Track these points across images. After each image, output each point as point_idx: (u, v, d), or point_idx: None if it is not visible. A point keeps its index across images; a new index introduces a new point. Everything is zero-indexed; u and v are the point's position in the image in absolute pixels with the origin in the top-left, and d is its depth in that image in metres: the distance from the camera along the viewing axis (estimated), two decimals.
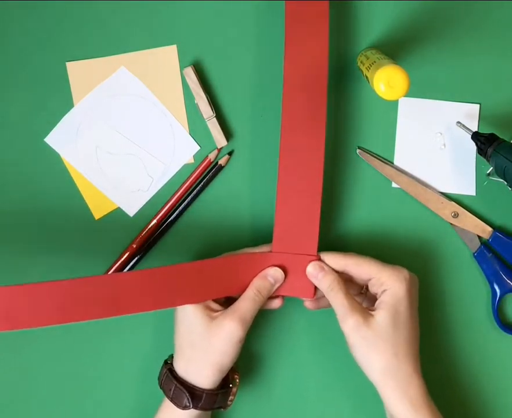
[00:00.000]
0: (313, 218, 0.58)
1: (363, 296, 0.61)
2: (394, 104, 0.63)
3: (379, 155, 0.64)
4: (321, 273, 0.57)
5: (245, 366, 0.64)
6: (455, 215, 0.63)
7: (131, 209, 0.65)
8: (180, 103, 0.64)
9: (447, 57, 0.63)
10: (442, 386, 0.65)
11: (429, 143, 0.64)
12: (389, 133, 0.64)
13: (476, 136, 0.60)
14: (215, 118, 0.62)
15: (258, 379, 0.65)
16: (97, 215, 0.65)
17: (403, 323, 0.56)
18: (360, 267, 0.57)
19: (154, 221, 0.64)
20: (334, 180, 0.64)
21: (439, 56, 0.63)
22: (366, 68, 0.56)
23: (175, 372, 0.58)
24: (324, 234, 0.64)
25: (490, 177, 0.63)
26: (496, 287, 0.63)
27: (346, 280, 0.58)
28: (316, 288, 0.59)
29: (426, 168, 0.64)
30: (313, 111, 0.58)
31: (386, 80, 0.51)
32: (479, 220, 0.63)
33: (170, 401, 0.57)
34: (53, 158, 0.64)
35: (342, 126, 0.64)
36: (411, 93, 0.62)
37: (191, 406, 0.56)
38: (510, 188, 0.58)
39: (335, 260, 0.58)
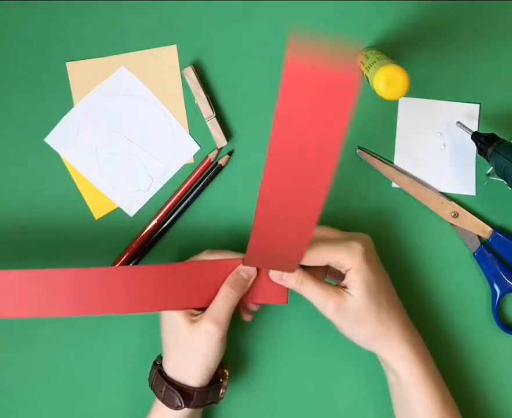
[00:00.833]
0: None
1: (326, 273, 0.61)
2: (394, 104, 0.63)
3: (379, 155, 0.64)
4: (284, 277, 0.57)
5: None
6: (455, 215, 0.63)
7: (131, 209, 0.65)
8: (180, 103, 0.64)
9: (447, 57, 0.63)
10: None
11: (429, 143, 0.64)
12: (389, 133, 0.64)
13: (476, 136, 0.60)
14: (215, 118, 0.62)
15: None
16: (97, 215, 0.65)
17: (376, 290, 0.56)
18: (318, 260, 0.56)
19: (154, 221, 0.64)
20: (334, 180, 0.64)
21: (439, 56, 0.63)
22: (366, 68, 0.56)
23: (165, 373, 0.58)
24: None
25: (490, 177, 0.63)
26: (496, 287, 0.63)
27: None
28: (287, 292, 0.58)
29: (426, 168, 0.64)
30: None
31: (386, 80, 0.51)
32: (479, 220, 0.63)
33: (162, 402, 0.57)
34: (53, 158, 0.64)
35: None
36: (411, 93, 0.62)
37: (183, 406, 0.56)
38: (510, 188, 0.58)
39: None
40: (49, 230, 0.65)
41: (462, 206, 0.63)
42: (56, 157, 0.64)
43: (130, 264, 0.64)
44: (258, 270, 0.58)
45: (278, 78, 0.63)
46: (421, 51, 0.63)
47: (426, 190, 0.63)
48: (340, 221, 0.64)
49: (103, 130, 0.64)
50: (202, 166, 0.64)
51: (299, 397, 0.65)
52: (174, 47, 0.63)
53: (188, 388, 0.56)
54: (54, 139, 0.64)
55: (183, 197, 0.64)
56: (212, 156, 0.64)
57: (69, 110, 0.64)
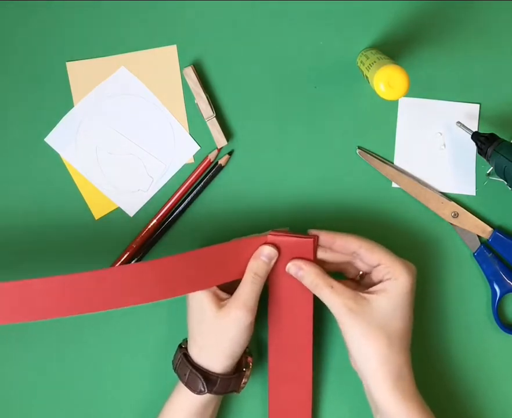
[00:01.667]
0: None
1: (355, 284, 0.60)
2: (394, 104, 0.63)
3: (379, 155, 0.64)
4: (301, 272, 0.57)
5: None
6: (455, 215, 0.63)
7: (131, 209, 0.65)
8: (180, 103, 0.64)
9: (447, 57, 0.63)
10: (442, 386, 0.65)
11: (429, 143, 0.64)
12: (389, 133, 0.64)
13: (476, 136, 0.60)
14: (215, 118, 0.62)
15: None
16: (97, 215, 0.65)
17: (402, 315, 0.56)
18: (373, 253, 0.57)
19: (154, 221, 0.64)
20: (334, 180, 0.64)
21: (439, 56, 0.63)
22: (366, 68, 0.56)
23: (190, 357, 0.58)
24: None
25: (490, 177, 0.63)
26: (496, 287, 0.63)
27: (342, 263, 0.59)
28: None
29: (426, 168, 0.64)
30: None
31: (386, 80, 0.51)
32: (479, 220, 0.63)
33: (185, 385, 0.57)
34: (53, 158, 0.64)
35: (342, 126, 0.64)
36: (411, 93, 0.62)
37: (205, 391, 0.56)
38: (510, 188, 0.58)
39: (348, 241, 0.58)
40: (49, 230, 0.65)
41: (462, 206, 0.63)
42: (56, 157, 0.64)
43: (133, 261, 0.64)
44: (279, 250, 0.58)
45: (278, 77, 0.63)
46: (421, 51, 0.63)
47: (426, 190, 0.63)
48: (340, 221, 0.64)
49: (103, 130, 0.64)
50: (202, 166, 0.64)
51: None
52: (174, 47, 0.63)
53: (213, 374, 0.57)
54: (54, 139, 0.64)
55: (183, 197, 0.64)
56: (212, 156, 0.64)
57: (69, 110, 0.64)
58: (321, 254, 0.59)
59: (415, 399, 0.56)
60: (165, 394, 0.60)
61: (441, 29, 0.63)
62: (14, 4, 0.63)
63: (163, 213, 0.64)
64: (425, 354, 0.65)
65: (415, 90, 0.62)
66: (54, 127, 0.64)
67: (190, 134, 0.64)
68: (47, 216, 0.65)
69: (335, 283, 0.56)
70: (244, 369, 0.60)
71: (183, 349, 0.59)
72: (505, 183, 0.58)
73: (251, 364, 0.60)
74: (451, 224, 0.64)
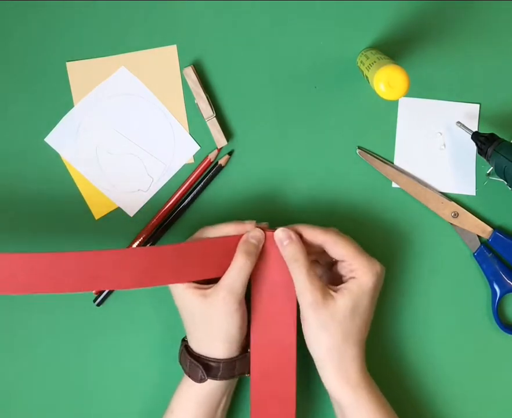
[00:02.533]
0: None
1: (324, 269, 0.61)
2: (394, 104, 0.63)
3: (379, 155, 0.64)
4: (288, 240, 0.57)
5: None
6: (455, 215, 0.63)
7: (131, 209, 0.65)
8: (180, 103, 0.64)
9: (447, 57, 0.63)
10: (442, 385, 0.65)
11: (429, 143, 0.64)
12: (389, 133, 0.64)
13: (476, 136, 0.60)
14: (215, 118, 0.62)
15: None
16: (97, 215, 0.65)
17: (360, 313, 0.56)
18: (337, 248, 0.57)
19: (154, 221, 0.64)
20: (334, 180, 0.64)
21: (439, 56, 0.63)
22: (366, 68, 0.56)
23: (190, 348, 0.59)
24: None
25: (490, 177, 0.63)
26: (496, 287, 0.63)
27: (317, 252, 0.59)
28: None
29: (426, 168, 0.64)
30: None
31: (386, 80, 0.51)
32: (479, 220, 0.63)
33: (187, 375, 0.58)
34: (53, 158, 0.64)
35: (342, 126, 0.64)
36: (411, 93, 0.62)
37: (206, 378, 0.57)
38: (510, 188, 0.58)
39: (314, 234, 0.58)
40: (49, 230, 0.65)
41: (462, 206, 0.63)
42: (56, 157, 0.64)
43: None
44: (266, 234, 0.58)
45: (278, 78, 0.63)
46: (421, 51, 0.63)
47: (426, 190, 0.63)
48: (340, 221, 0.64)
49: (103, 130, 0.64)
50: (202, 166, 0.64)
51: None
52: (174, 47, 0.63)
53: (214, 360, 0.57)
54: (54, 139, 0.64)
55: (183, 197, 0.64)
56: (212, 156, 0.64)
57: (69, 110, 0.64)
58: None
59: (364, 385, 0.57)
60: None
61: (441, 29, 0.63)
62: (14, 4, 0.63)
63: (163, 214, 0.64)
64: (425, 354, 0.65)
65: (415, 90, 0.62)
66: (54, 127, 0.64)
67: (190, 134, 0.64)
68: (47, 216, 0.65)
69: (312, 269, 0.56)
70: (248, 350, 0.59)
71: (184, 341, 0.60)
72: (505, 183, 0.58)
73: None
74: (451, 224, 0.64)
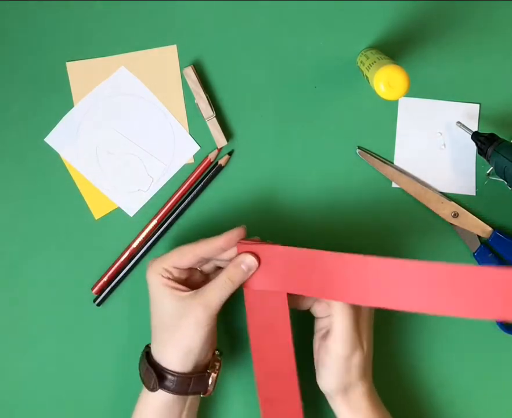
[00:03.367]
0: None
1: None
2: (394, 104, 0.63)
3: (379, 155, 0.64)
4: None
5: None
6: (455, 215, 0.63)
7: (131, 209, 0.65)
8: (180, 103, 0.64)
9: (447, 57, 0.63)
10: (442, 385, 0.65)
11: (429, 143, 0.64)
12: (389, 133, 0.64)
13: (476, 136, 0.60)
14: (215, 118, 0.62)
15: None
16: (97, 215, 0.65)
17: (356, 344, 0.56)
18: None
19: (154, 221, 0.64)
20: (334, 180, 0.64)
21: (439, 56, 0.63)
22: (366, 68, 0.56)
23: (150, 354, 0.58)
24: (324, 234, 0.64)
25: (490, 177, 0.63)
26: None
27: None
28: None
29: (426, 168, 0.64)
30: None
31: (386, 80, 0.51)
32: (479, 220, 0.63)
33: (142, 381, 0.57)
34: (53, 158, 0.64)
35: (342, 126, 0.64)
36: (411, 93, 0.62)
37: (157, 388, 0.55)
38: (510, 188, 0.58)
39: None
40: (49, 230, 0.65)
41: (462, 206, 0.63)
42: (56, 157, 0.64)
43: (131, 264, 0.64)
44: (259, 260, 0.56)
45: (278, 78, 0.63)
46: (421, 51, 0.63)
47: (426, 190, 0.63)
48: (340, 221, 0.64)
49: (103, 130, 0.64)
50: (202, 166, 0.64)
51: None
52: (174, 47, 0.63)
53: (170, 371, 0.55)
54: (54, 139, 0.64)
55: (183, 197, 0.64)
56: (212, 156, 0.64)
57: (69, 110, 0.64)
58: None
59: (365, 409, 0.57)
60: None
61: (441, 29, 0.63)
62: (14, 4, 0.63)
63: (163, 213, 0.64)
64: (425, 353, 0.65)
65: (415, 90, 0.62)
66: (54, 127, 0.64)
67: (190, 134, 0.64)
68: (47, 216, 0.65)
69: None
70: (208, 371, 0.58)
71: (147, 347, 0.59)
72: (505, 183, 0.58)
73: (218, 366, 0.59)
74: (451, 224, 0.64)
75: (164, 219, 0.64)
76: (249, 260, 0.56)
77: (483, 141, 0.59)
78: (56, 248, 0.65)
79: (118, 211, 0.65)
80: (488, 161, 0.59)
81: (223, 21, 0.63)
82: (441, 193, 0.64)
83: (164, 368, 0.56)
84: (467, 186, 0.64)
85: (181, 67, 0.63)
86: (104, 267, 0.65)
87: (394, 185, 0.64)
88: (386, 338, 0.65)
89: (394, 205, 0.64)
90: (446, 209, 0.63)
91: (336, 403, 0.58)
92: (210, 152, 0.64)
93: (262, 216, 0.64)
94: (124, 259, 0.64)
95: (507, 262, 0.63)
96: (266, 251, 0.55)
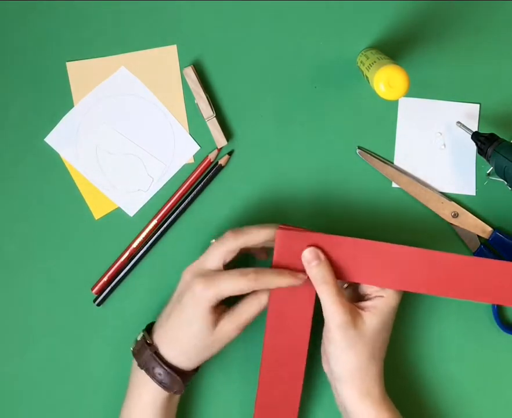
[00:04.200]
0: None
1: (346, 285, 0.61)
2: (394, 104, 0.63)
3: (379, 155, 0.64)
4: (316, 261, 0.55)
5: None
6: (455, 215, 0.63)
7: (131, 209, 0.65)
8: (180, 103, 0.64)
9: (447, 57, 0.63)
10: (442, 385, 0.65)
11: (429, 143, 0.64)
12: (389, 133, 0.64)
13: (476, 136, 0.60)
14: (215, 118, 0.62)
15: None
16: (97, 215, 0.65)
17: (386, 330, 0.57)
18: None
19: (154, 221, 0.64)
20: (334, 180, 0.64)
21: (439, 56, 0.63)
22: (366, 68, 0.56)
23: (161, 355, 0.57)
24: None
25: (490, 177, 0.63)
26: None
27: None
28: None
29: (426, 168, 0.64)
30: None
31: (386, 80, 0.51)
32: (479, 220, 0.63)
33: (159, 384, 0.57)
34: (53, 158, 0.64)
35: (342, 126, 0.64)
36: (411, 93, 0.62)
37: (183, 390, 0.57)
38: (510, 188, 0.58)
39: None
40: (49, 230, 0.65)
41: (462, 206, 0.63)
42: (56, 157, 0.64)
43: (131, 264, 0.64)
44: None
45: (278, 78, 0.63)
46: (421, 51, 0.63)
47: (426, 190, 0.63)
48: (340, 221, 0.64)
49: (103, 130, 0.64)
50: (202, 166, 0.64)
51: None
52: (174, 47, 0.63)
53: (183, 371, 0.57)
54: (54, 139, 0.64)
55: (183, 197, 0.64)
56: (212, 156, 0.64)
57: (69, 110, 0.64)
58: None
59: (385, 404, 0.57)
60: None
61: (441, 29, 0.63)
62: (14, 4, 0.63)
63: (163, 213, 0.64)
64: (425, 354, 0.65)
65: (415, 90, 0.62)
66: (54, 127, 0.64)
67: (190, 134, 0.64)
68: (47, 216, 0.65)
69: (341, 289, 0.56)
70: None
71: (152, 347, 0.58)
72: (505, 183, 0.58)
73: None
74: (451, 224, 0.64)
75: (164, 219, 0.64)
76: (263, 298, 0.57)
77: (483, 141, 0.59)
78: (56, 248, 0.65)
79: (118, 211, 0.65)
80: (488, 161, 0.59)
81: (223, 21, 0.63)
82: (441, 193, 0.64)
83: (182, 370, 0.57)
84: (467, 186, 0.64)
85: (181, 67, 0.63)
86: (104, 267, 0.65)
87: (394, 185, 0.64)
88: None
89: (394, 205, 0.64)
90: (446, 209, 0.63)
91: (348, 388, 0.57)
92: (210, 152, 0.64)
93: (262, 216, 0.64)
94: (124, 259, 0.64)
95: None
96: (308, 239, 0.56)
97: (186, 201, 0.64)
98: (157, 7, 0.63)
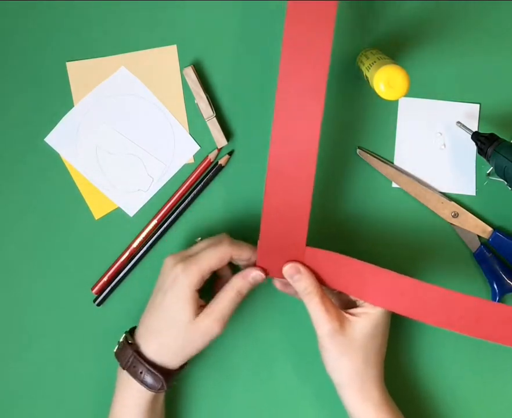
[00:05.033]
0: (302, 212, 0.56)
1: (336, 292, 0.61)
2: (394, 104, 0.63)
3: (379, 155, 0.64)
4: (297, 275, 0.57)
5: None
6: (455, 215, 0.63)
7: (131, 209, 0.65)
8: (180, 103, 0.64)
9: (447, 57, 0.63)
10: (442, 386, 0.65)
11: (429, 143, 0.64)
12: (389, 133, 0.64)
13: (476, 136, 0.60)
14: (215, 118, 0.62)
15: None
16: (97, 215, 0.65)
17: (378, 335, 0.57)
18: None
19: (154, 221, 0.64)
20: (334, 180, 0.64)
21: (439, 56, 0.63)
22: (366, 68, 0.56)
23: (143, 354, 0.57)
24: (324, 234, 0.64)
25: (490, 177, 0.63)
26: (496, 287, 0.63)
27: None
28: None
29: (426, 168, 0.64)
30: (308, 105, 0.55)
31: (386, 80, 0.51)
32: (479, 220, 0.63)
33: (141, 383, 0.56)
34: (53, 158, 0.64)
35: (342, 126, 0.64)
36: (411, 93, 0.62)
37: (165, 388, 0.57)
38: (510, 188, 0.58)
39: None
40: (49, 230, 0.65)
41: (462, 206, 0.63)
42: (56, 157, 0.64)
43: (131, 264, 0.64)
44: (266, 273, 0.58)
45: (277, 78, 0.63)
46: (421, 51, 0.63)
47: (426, 190, 0.63)
48: (340, 221, 0.64)
49: (103, 130, 0.64)
50: (202, 166, 0.64)
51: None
52: (174, 47, 0.63)
53: (168, 370, 0.57)
54: (54, 139, 0.64)
55: (183, 197, 0.64)
56: (212, 156, 0.64)
57: (69, 110, 0.64)
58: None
59: (387, 407, 0.57)
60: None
61: (441, 29, 0.63)
62: (14, 4, 0.63)
63: (163, 213, 0.64)
64: (425, 354, 0.65)
65: (415, 90, 0.62)
66: (54, 127, 0.64)
67: (190, 134, 0.64)
68: (47, 216, 0.65)
69: (325, 297, 0.56)
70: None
71: (133, 345, 0.58)
72: (505, 183, 0.58)
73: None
74: (451, 224, 0.64)
75: (164, 219, 0.64)
76: (255, 274, 0.57)
77: (483, 141, 0.59)
78: (56, 248, 0.65)
79: (118, 211, 0.65)
80: (488, 161, 0.59)
81: (223, 21, 0.63)
82: (441, 193, 0.64)
83: (166, 368, 0.57)
84: (467, 186, 0.64)
85: (181, 67, 0.63)
86: (104, 267, 0.65)
87: (394, 185, 0.64)
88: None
89: (394, 205, 0.64)
90: (446, 209, 0.63)
91: (348, 393, 0.57)
92: (210, 152, 0.64)
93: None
94: (124, 259, 0.64)
95: (507, 262, 0.64)
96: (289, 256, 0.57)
97: (186, 201, 0.64)
98: (157, 7, 0.63)
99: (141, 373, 0.56)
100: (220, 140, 0.63)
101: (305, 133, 0.54)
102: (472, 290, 0.64)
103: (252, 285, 0.58)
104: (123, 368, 0.57)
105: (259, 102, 0.64)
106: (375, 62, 0.55)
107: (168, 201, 0.64)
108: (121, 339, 0.59)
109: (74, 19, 0.63)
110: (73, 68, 0.63)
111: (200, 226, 0.65)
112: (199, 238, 0.58)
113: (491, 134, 0.59)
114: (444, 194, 0.64)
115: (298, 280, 0.57)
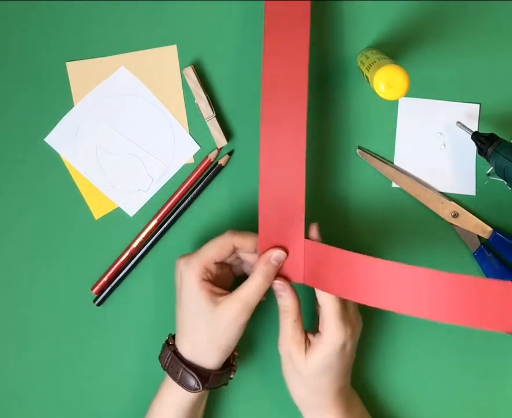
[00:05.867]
0: (298, 202, 0.57)
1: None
2: (394, 104, 0.63)
3: (379, 155, 0.64)
4: (282, 293, 0.57)
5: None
6: (455, 215, 0.63)
7: (131, 209, 0.65)
8: (180, 103, 0.64)
9: (447, 57, 0.63)
10: (442, 386, 0.65)
11: (429, 143, 0.64)
12: (389, 133, 0.64)
13: (476, 136, 0.60)
14: (215, 118, 0.62)
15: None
16: (97, 215, 0.65)
17: (331, 370, 0.57)
18: (319, 294, 0.56)
19: (154, 221, 0.64)
20: (334, 180, 0.64)
21: (439, 56, 0.63)
22: (366, 68, 0.56)
23: (180, 354, 0.58)
24: (324, 234, 0.64)
25: (490, 177, 0.63)
26: None
27: None
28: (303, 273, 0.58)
29: (426, 168, 0.64)
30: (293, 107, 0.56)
31: (386, 80, 0.51)
32: (479, 220, 0.63)
33: (178, 384, 0.57)
34: (53, 158, 0.64)
35: (342, 126, 0.64)
36: (411, 93, 0.62)
37: (200, 388, 0.56)
38: (510, 188, 0.58)
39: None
40: (49, 230, 0.65)
41: (462, 206, 0.63)
42: (56, 157, 0.64)
43: (131, 264, 0.64)
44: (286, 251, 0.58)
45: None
46: (421, 51, 0.63)
47: (426, 190, 0.63)
48: (340, 221, 0.64)
49: (103, 130, 0.64)
50: (202, 166, 0.64)
51: None
52: (174, 47, 0.63)
53: (204, 370, 0.57)
54: (54, 139, 0.64)
55: (183, 197, 0.64)
56: (212, 156, 0.64)
57: (69, 110, 0.64)
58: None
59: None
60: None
61: (441, 29, 0.63)
62: (14, 4, 0.63)
63: (163, 213, 0.64)
64: (425, 355, 0.65)
65: (415, 90, 0.62)
66: (54, 127, 0.64)
67: (190, 134, 0.64)
68: (47, 216, 0.65)
69: (298, 322, 0.57)
70: (233, 363, 0.60)
71: (171, 346, 0.59)
72: (505, 183, 0.58)
73: (237, 356, 0.61)
74: (451, 224, 0.64)
75: (164, 219, 0.64)
76: (277, 253, 0.57)
77: (483, 141, 0.59)
78: (56, 248, 0.65)
79: (118, 211, 0.65)
80: (488, 161, 0.59)
81: (223, 21, 0.63)
82: (441, 193, 0.64)
83: (200, 367, 0.57)
84: (467, 186, 0.64)
85: (181, 67, 0.63)
86: (104, 267, 0.65)
87: (394, 185, 0.64)
88: (382, 334, 0.65)
89: (394, 205, 0.64)
90: (446, 209, 0.63)
91: (304, 412, 0.60)
92: (210, 152, 0.64)
93: None
94: (124, 259, 0.64)
95: (507, 262, 0.64)
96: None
97: (186, 201, 0.64)
98: (157, 7, 0.63)
99: (177, 372, 0.57)
100: (220, 140, 0.63)
101: (291, 129, 0.56)
102: None
103: (275, 268, 0.57)
104: (163, 369, 0.58)
105: (259, 102, 0.63)
106: (375, 62, 0.55)
107: (168, 201, 0.64)
108: (164, 341, 0.60)
109: (74, 19, 0.63)
110: (73, 68, 0.63)
111: (200, 226, 0.65)
112: None
113: (491, 134, 0.59)
114: (444, 194, 0.64)
115: (282, 296, 0.57)
